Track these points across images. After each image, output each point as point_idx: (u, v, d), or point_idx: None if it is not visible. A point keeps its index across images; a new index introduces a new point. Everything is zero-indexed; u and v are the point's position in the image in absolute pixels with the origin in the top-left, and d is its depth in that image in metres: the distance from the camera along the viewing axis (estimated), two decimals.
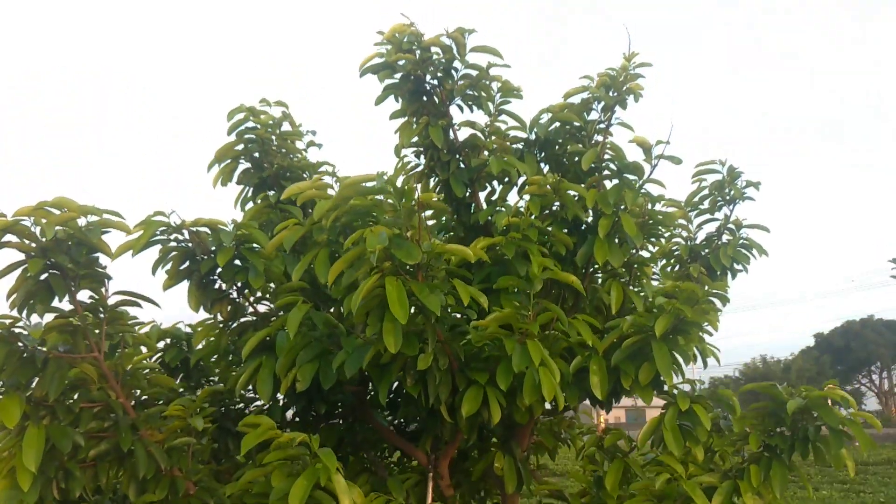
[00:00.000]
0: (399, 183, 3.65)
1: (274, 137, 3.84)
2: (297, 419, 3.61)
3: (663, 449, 3.02)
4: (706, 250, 4.30)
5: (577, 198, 3.37)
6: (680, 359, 3.03)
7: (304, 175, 3.85)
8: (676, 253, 4.35)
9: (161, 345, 3.96)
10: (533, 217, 3.14)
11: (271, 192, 3.83)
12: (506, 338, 2.59)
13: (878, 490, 14.72)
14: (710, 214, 4.41)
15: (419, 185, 3.57)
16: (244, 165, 3.85)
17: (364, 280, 2.28)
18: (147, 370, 3.59)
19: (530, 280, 2.91)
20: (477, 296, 2.48)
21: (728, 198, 4.33)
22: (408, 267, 2.37)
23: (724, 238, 4.36)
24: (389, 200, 2.77)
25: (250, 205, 3.84)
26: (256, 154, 3.80)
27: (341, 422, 4.00)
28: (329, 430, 3.84)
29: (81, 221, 2.43)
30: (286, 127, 3.94)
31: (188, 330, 3.97)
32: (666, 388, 3.08)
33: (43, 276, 2.38)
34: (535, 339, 2.59)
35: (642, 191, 3.80)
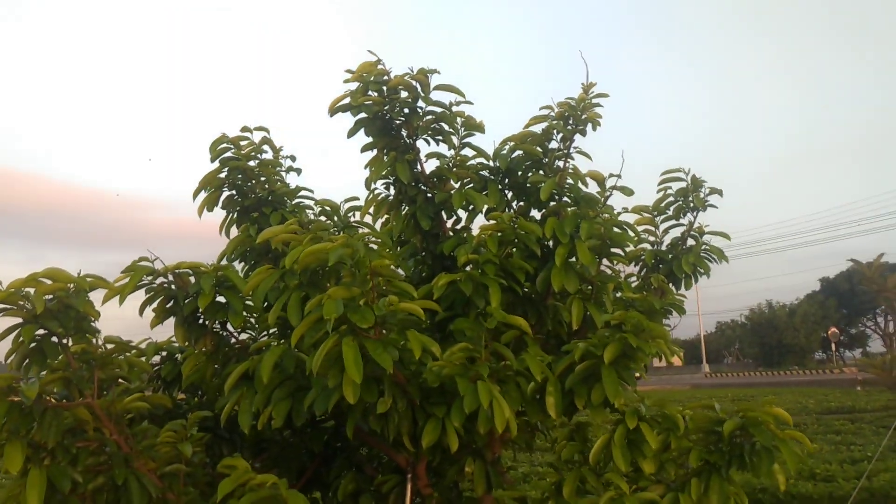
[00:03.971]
0: (371, 212, 3.89)
1: (255, 164, 4.06)
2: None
3: (612, 465, 3.31)
4: (672, 255, 4.54)
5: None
6: (627, 380, 3.30)
7: (286, 200, 4.08)
8: (643, 258, 4.58)
9: (157, 359, 4.27)
10: (493, 253, 3.37)
11: (254, 215, 4.08)
12: (459, 377, 2.85)
13: (870, 440, 15.07)
14: (675, 220, 4.64)
15: (391, 215, 3.81)
16: (228, 192, 4.08)
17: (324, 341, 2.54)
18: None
19: (486, 317, 3.16)
20: (429, 345, 2.74)
21: (691, 206, 4.55)
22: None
23: (689, 243, 4.60)
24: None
25: (234, 229, 4.09)
26: (239, 182, 4.03)
27: (328, 423, 4.30)
28: (317, 432, 4.14)
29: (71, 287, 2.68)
30: (267, 151, 4.16)
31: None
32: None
33: (36, 341, 2.65)
34: (486, 380, 2.85)
35: (606, 204, 4.05)
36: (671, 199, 4.61)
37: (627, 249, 4.22)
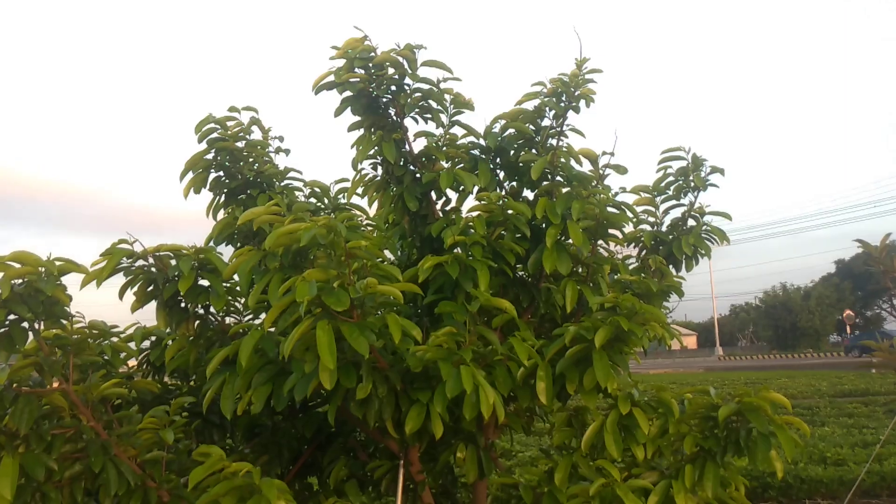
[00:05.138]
0: (360, 193, 3.80)
1: (243, 145, 3.97)
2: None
3: (604, 451, 3.22)
4: (672, 235, 4.42)
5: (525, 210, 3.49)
6: (619, 364, 3.20)
7: (274, 182, 3.99)
8: (642, 239, 4.46)
9: (147, 343, 4.22)
10: (480, 234, 3.28)
11: (242, 197, 4.00)
12: (442, 362, 2.77)
13: (883, 423, 14.87)
14: (675, 200, 4.51)
15: (379, 196, 3.72)
16: (215, 174, 3.99)
17: (299, 323, 2.46)
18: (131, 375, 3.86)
19: (472, 300, 3.07)
20: (410, 328, 2.65)
21: (692, 185, 4.42)
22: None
23: (690, 223, 4.47)
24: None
25: (222, 213, 4.01)
26: (227, 163, 3.94)
27: (323, 407, 4.23)
28: (309, 418, 4.07)
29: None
30: (256, 133, 4.07)
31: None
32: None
33: (5, 326, 2.59)
34: (469, 365, 2.76)
35: (603, 185, 3.93)
36: (671, 178, 4.49)
37: (625, 230, 4.11)
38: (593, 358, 3.12)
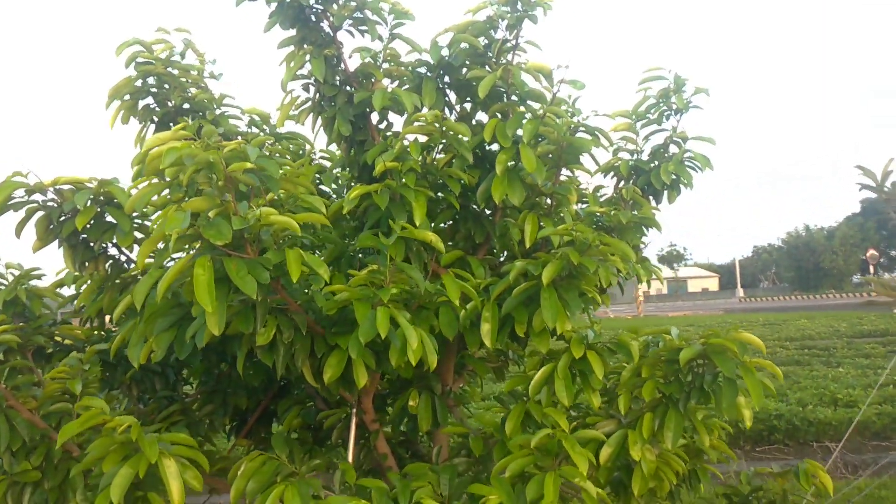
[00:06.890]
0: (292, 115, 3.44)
1: (174, 70, 3.62)
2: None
3: (554, 398, 2.91)
4: (653, 164, 4.02)
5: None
6: (570, 302, 2.86)
7: (208, 110, 3.65)
8: (618, 166, 4.06)
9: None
10: (415, 160, 2.92)
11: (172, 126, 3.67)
12: (358, 303, 2.44)
13: None
14: (657, 125, 4.10)
15: (309, 120, 3.36)
16: (146, 101, 3.65)
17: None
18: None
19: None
20: (316, 266, 2.32)
21: (674, 108, 4.02)
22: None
23: (672, 150, 4.08)
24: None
25: None
26: (155, 89, 3.60)
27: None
28: (255, 366, 3.81)
29: None
30: (190, 57, 3.72)
31: None
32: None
33: None
34: (388, 306, 2.44)
35: (574, 108, 3.53)
36: (652, 100, 4.07)
37: (599, 159, 3.73)
38: (541, 296, 2.79)
